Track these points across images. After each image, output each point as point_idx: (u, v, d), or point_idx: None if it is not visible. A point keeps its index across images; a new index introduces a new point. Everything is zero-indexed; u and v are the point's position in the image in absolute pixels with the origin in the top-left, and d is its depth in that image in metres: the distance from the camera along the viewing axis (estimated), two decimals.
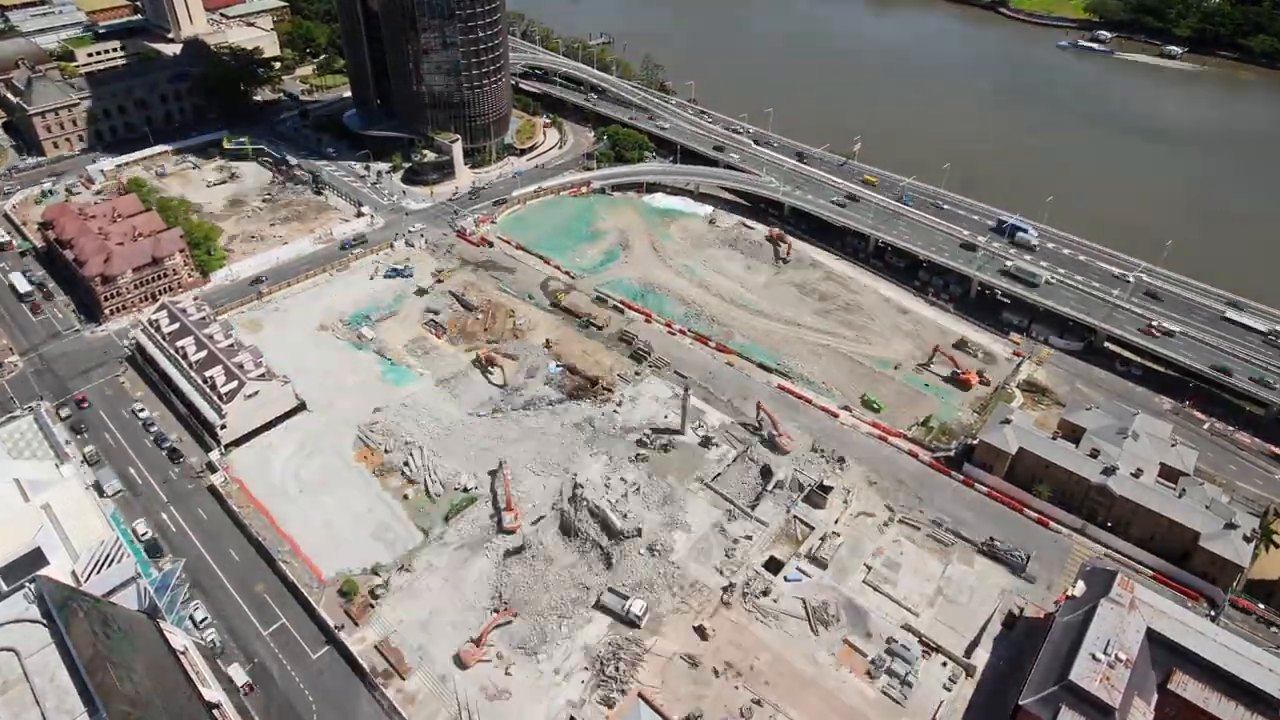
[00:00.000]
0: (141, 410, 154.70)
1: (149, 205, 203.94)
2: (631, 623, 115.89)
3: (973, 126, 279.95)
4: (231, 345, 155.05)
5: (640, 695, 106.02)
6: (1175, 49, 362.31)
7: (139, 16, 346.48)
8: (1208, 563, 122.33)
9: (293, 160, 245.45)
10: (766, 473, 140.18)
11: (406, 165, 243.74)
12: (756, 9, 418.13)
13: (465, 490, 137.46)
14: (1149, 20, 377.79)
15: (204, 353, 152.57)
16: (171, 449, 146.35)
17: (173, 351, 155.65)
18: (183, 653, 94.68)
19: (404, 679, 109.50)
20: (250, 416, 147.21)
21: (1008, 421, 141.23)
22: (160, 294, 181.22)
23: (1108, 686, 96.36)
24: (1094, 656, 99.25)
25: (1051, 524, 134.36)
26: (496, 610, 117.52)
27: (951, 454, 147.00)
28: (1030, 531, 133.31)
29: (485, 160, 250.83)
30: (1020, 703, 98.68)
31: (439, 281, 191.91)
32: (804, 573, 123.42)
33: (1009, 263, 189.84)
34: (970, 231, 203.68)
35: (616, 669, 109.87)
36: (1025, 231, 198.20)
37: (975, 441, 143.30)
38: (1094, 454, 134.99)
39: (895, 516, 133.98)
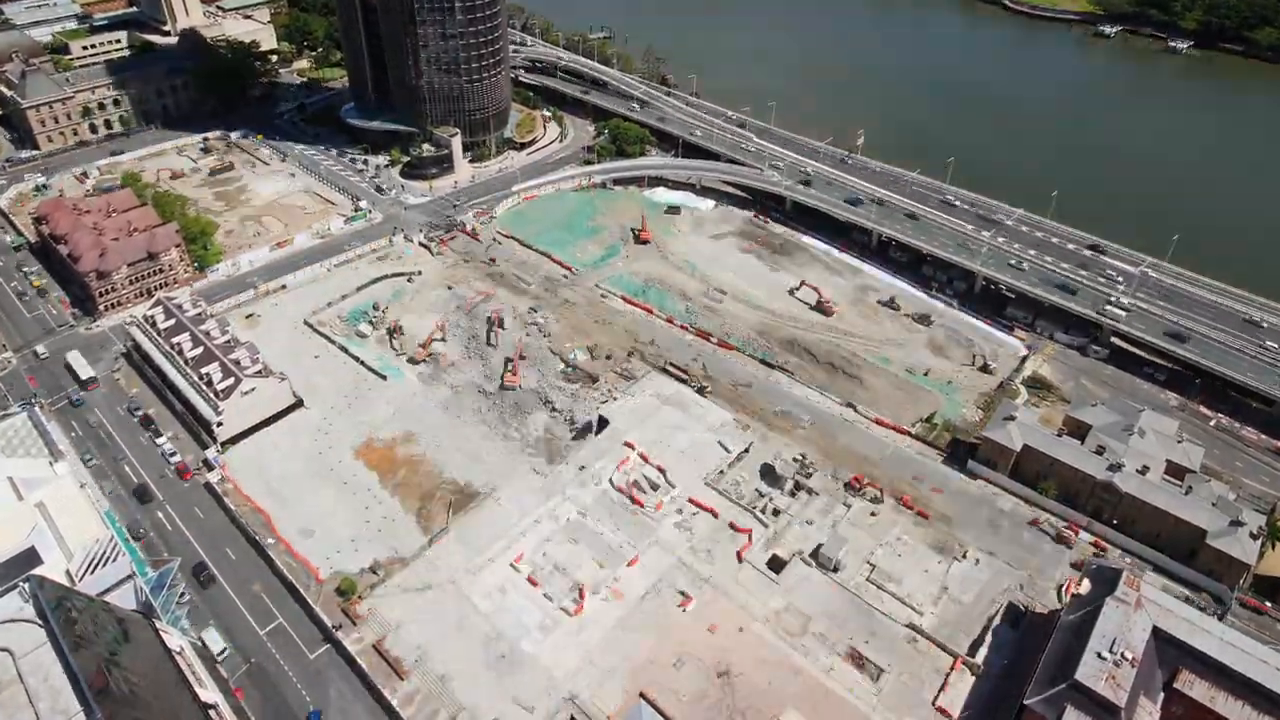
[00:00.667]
0: (137, 407, 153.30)
1: (144, 200, 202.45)
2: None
3: (978, 121, 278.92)
4: (228, 341, 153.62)
5: (642, 695, 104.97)
6: (1180, 44, 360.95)
7: (134, 9, 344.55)
8: (1214, 560, 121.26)
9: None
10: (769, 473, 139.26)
11: (405, 160, 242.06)
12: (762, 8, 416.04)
13: None
14: (1154, 13, 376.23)
15: (200, 349, 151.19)
16: (163, 446, 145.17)
17: (168, 348, 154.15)
18: (179, 652, 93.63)
19: (402, 679, 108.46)
20: (247, 414, 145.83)
21: (1012, 418, 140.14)
22: (156, 290, 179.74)
23: (1113, 685, 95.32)
24: (1100, 655, 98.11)
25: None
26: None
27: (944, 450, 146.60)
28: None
29: (485, 155, 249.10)
30: (1025, 702, 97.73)
31: (449, 288, 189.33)
32: None
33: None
34: (974, 226, 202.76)
35: None
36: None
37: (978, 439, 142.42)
38: (1099, 451, 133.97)
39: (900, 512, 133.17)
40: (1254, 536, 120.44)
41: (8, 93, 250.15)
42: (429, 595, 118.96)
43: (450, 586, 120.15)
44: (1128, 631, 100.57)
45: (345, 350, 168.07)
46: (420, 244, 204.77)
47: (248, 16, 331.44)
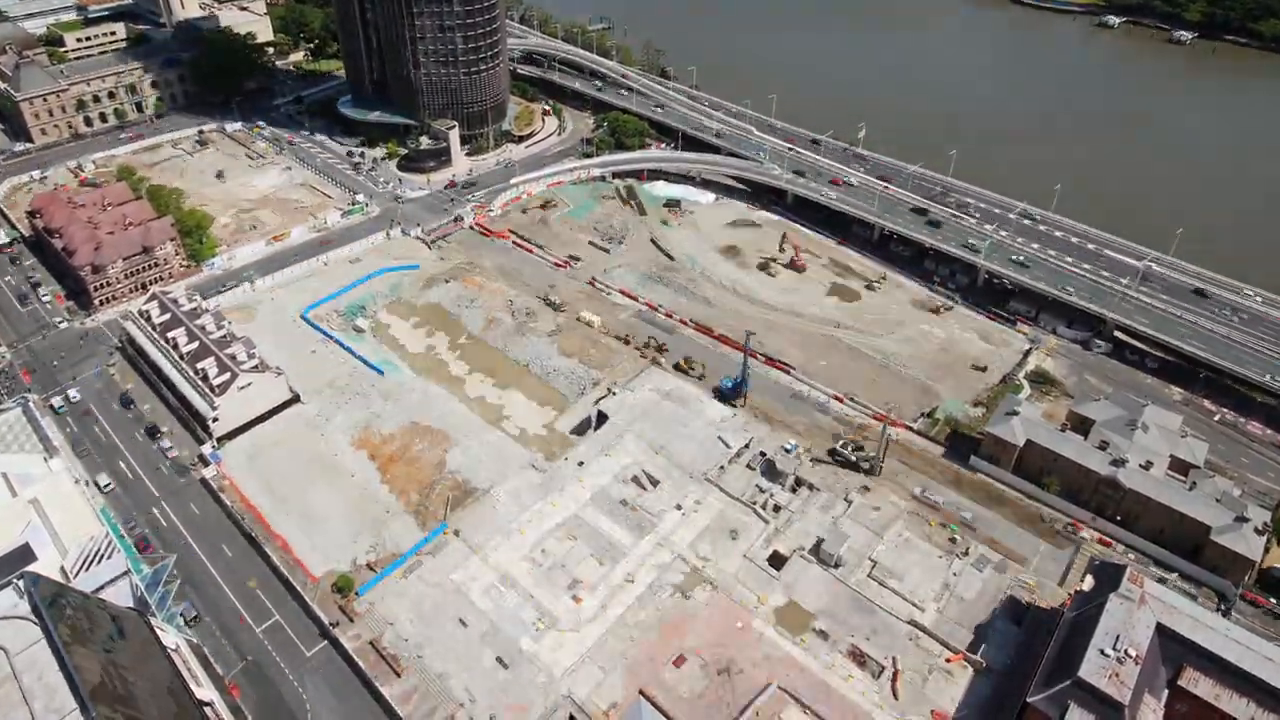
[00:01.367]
0: (132, 403, 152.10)
1: (139, 193, 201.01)
2: None
3: (978, 115, 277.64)
4: (224, 336, 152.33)
5: (641, 693, 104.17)
6: (1185, 34, 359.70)
7: (129, 1, 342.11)
8: (1219, 557, 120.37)
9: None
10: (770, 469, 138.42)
11: (402, 153, 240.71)
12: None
13: None
14: (1158, 4, 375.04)
15: (195, 344, 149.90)
16: (160, 442, 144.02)
17: (164, 343, 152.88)
18: (174, 650, 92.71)
19: (399, 676, 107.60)
20: (243, 409, 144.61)
21: (1015, 413, 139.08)
22: (151, 284, 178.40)
23: (1117, 683, 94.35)
24: (1103, 652, 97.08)
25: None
26: None
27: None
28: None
29: (483, 147, 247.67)
30: (1028, 699, 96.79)
31: (447, 281, 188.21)
32: None
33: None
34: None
35: None
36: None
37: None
38: (1103, 446, 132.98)
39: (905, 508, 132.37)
40: (1259, 532, 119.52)
41: (1, 85, 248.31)
42: (426, 592, 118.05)
43: (448, 583, 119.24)
44: (1131, 628, 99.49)
45: (342, 345, 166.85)
46: (417, 238, 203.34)
47: (244, 8, 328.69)
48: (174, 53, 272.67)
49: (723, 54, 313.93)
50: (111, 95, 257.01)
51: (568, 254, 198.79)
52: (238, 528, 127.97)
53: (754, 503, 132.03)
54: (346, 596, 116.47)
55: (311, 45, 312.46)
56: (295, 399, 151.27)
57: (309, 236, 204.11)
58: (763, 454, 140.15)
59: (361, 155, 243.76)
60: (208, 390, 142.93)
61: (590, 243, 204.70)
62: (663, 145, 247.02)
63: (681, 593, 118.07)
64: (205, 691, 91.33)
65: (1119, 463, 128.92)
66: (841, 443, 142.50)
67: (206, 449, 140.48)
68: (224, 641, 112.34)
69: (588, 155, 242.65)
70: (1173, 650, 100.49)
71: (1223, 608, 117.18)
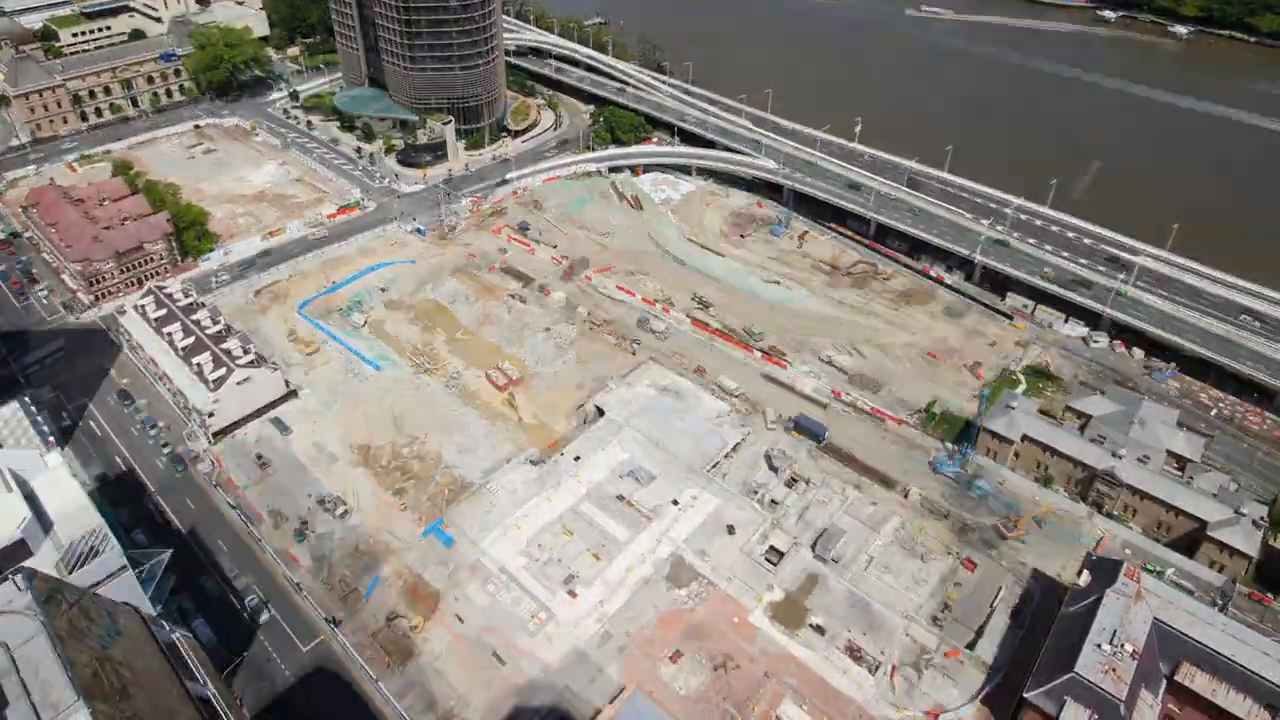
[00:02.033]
0: (128, 398, 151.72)
1: (136, 188, 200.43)
2: None
3: (976, 109, 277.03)
4: (220, 331, 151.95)
5: (638, 688, 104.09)
6: (1181, 29, 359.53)
7: None
8: (1216, 552, 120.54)
9: None
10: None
11: (399, 147, 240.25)
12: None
13: None
14: None
15: (191, 339, 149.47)
16: (159, 437, 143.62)
17: (160, 338, 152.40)
18: (170, 645, 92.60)
19: (395, 670, 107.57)
20: (239, 404, 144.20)
21: (1012, 408, 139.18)
22: (147, 279, 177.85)
23: (1114, 678, 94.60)
24: (1100, 648, 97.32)
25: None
26: None
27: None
28: None
29: (479, 142, 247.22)
30: (1025, 695, 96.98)
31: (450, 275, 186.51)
32: None
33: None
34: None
35: None
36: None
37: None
38: (1099, 441, 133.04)
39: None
40: (1256, 526, 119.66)
41: None
42: (423, 586, 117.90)
43: (445, 578, 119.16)
44: (1128, 624, 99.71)
45: (336, 339, 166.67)
46: (414, 231, 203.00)
47: (240, 3, 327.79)
48: (170, 48, 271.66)
49: (719, 50, 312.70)
50: (107, 90, 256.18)
51: (563, 250, 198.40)
52: (233, 523, 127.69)
53: (753, 494, 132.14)
54: (343, 592, 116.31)
55: (308, 40, 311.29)
56: (291, 394, 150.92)
57: (305, 231, 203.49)
58: (769, 455, 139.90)
59: (358, 150, 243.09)
60: (204, 385, 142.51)
61: (587, 237, 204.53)
62: (654, 140, 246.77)
63: (678, 587, 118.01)
64: (201, 687, 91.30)
65: (1116, 457, 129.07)
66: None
67: (203, 444, 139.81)
68: (220, 637, 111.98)
69: (588, 148, 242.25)
70: (1170, 646, 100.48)
71: (1220, 603, 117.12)
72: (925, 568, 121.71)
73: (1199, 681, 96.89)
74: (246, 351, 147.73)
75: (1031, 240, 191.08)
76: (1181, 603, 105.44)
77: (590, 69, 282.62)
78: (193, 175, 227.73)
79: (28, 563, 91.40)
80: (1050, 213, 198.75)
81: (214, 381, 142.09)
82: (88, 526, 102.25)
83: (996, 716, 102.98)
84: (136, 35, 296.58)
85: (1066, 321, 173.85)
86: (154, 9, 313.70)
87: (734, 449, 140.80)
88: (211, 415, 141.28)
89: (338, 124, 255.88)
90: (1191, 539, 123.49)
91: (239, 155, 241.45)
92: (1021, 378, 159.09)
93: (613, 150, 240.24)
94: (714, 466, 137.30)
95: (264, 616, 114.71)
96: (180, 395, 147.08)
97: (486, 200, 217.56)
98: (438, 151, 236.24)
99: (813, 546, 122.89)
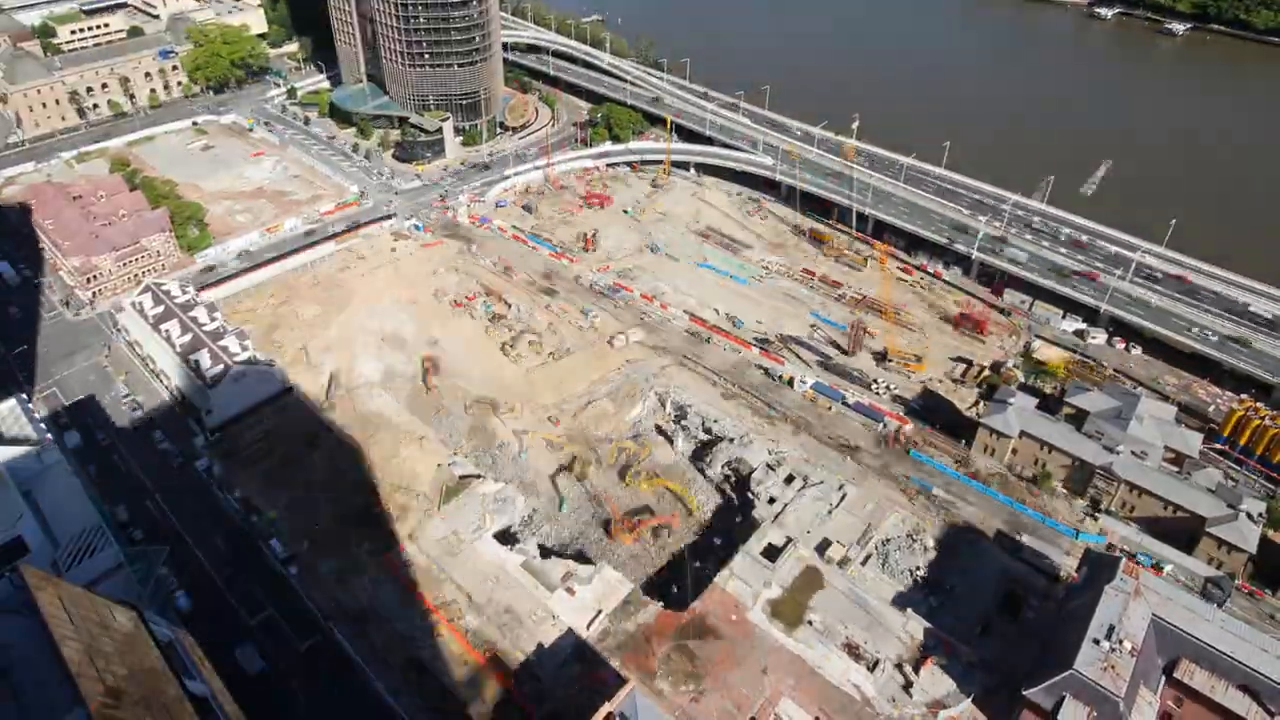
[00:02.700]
0: (125, 395, 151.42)
1: (134, 185, 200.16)
2: None
3: (972, 107, 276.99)
4: (217, 328, 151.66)
5: (636, 687, 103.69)
6: (1178, 25, 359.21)
7: None
8: (1214, 548, 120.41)
9: None
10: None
11: (395, 144, 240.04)
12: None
13: None
14: None
15: (189, 335, 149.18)
16: (154, 434, 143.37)
17: (157, 334, 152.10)
18: (167, 643, 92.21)
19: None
20: (237, 400, 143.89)
21: (1009, 403, 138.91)
22: (144, 275, 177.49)
23: (1113, 675, 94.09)
24: (1098, 644, 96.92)
25: None
26: None
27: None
28: None
29: (476, 138, 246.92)
30: (1024, 692, 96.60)
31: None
32: None
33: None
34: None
35: None
36: None
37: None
38: (1097, 437, 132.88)
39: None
40: (1254, 522, 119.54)
41: None
42: (418, 584, 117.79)
43: (440, 573, 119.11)
44: (1127, 620, 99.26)
45: None
46: (412, 227, 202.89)
47: (237, 0, 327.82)
48: (168, 45, 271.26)
49: (717, 47, 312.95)
50: (105, 87, 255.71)
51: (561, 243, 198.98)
52: (230, 520, 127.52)
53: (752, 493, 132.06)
54: (340, 588, 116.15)
55: (305, 37, 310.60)
56: (288, 390, 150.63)
57: (303, 228, 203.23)
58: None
59: (355, 147, 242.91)
60: (201, 382, 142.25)
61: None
62: (650, 137, 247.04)
63: (676, 585, 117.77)
64: (198, 685, 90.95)
65: (1113, 453, 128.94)
66: None
67: (200, 441, 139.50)
68: (217, 634, 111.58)
69: (584, 143, 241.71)
70: (1168, 642, 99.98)
71: (1219, 599, 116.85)
72: (924, 561, 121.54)
73: (1198, 679, 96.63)
74: (244, 348, 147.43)
75: (1029, 236, 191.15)
76: (1180, 599, 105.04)
77: (588, 65, 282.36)
78: (190, 172, 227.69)
79: (23, 560, 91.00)
80: (1048, 209, 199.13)
81: (211, 378, 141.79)
82: (84, 524, 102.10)
83: (994, 712, 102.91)
84: (135, 32, 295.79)
85: (1064, 317, 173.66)
86: (152, 6, 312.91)
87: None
88: (209, 412, 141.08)
89: (335, 121, 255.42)
90: (1190, 535, 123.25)
91: (237, 152, 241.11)
92: (1018, 373, 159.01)
93: (611, 147, 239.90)
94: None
95: (261, 613, 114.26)
96: (177, 392, 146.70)
97: (483, 197, 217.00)
98: (435, 148, 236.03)
99: (810, 545, 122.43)
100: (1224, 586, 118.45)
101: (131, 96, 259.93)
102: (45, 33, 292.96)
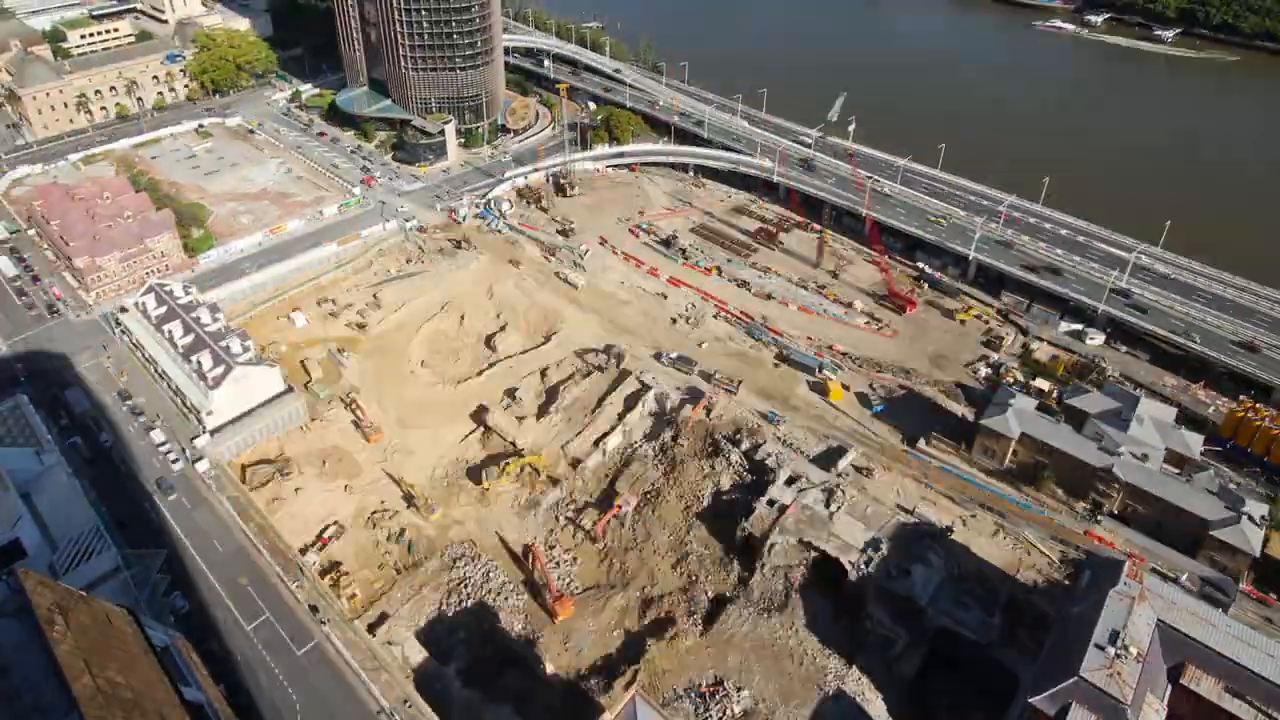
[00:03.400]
0: (126, 396, 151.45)
1: (138, 187, 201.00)
2: None
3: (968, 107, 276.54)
4: (219, 329, 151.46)
5: (637, 693, 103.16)
6: (1165, 32, 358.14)
7: None
8: (1217, 551, 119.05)
9: None
10: None
11: (398, 146, 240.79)
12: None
13: None
14: (1139, 2, 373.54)
15: (191, 336, 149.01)
16: (154, 436, 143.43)
17: (160, 335, 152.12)
18: (163, 648, 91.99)
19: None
20: (238, 402, 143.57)
21: (1009, 405, 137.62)
22: (148, 276, 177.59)
23: (1119, 681, 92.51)
24: (1103, 650, 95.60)
25: None
26: None
27: None
28: None
29: (477, 141, 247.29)
30: (1029, 699, 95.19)
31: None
32: None
33: None
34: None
35: None
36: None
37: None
38: (1097, 438, 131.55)
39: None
40: (1257, 525, 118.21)
41: (5, 80, 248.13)
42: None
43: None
44: (1132, 625, 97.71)
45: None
46: (412, 228, 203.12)
47: (244, 4, 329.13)
48: (175, 49, 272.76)
49: (715, 50, 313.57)
50: (113, 90, 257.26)
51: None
52: (228, 523, 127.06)
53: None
54: (338, 589, 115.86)
55: (309, 41, 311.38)
56: (289, 391, 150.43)
57: (306, 229, 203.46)
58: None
59: (358, 149, 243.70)
60: (202, 383, 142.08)
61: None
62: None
63: None
64: (194, 691, 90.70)
65: (1114, 455, 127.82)
66: None
67: (200, 442, 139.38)
68: (214, 640, 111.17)
69: (584, 145, 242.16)
70: (1174, 647, 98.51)
71: (1223, 603, 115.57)
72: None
73: (1205, 684, 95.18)
74: (246, 349, 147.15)
75: (1025, 236, 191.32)
76: (1185, 603, 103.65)
77: (588, 69, 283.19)
78: (195, 174, 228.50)
79: (21, 563, 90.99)
80: (1044, 210, 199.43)
81: (212, 380, 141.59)
82: (83, 526, 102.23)
83: None
84: (144, 36, 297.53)
85: (1063, 318, 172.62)
86: (160, 11, 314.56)
87: None
88: (210, 413, 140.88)
89: (338, 123, 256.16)
90: (1192, 538, 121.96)
91: (241, 154, 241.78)
92: (1018, 374, 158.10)
93: (610, 149, 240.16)
94: None
95: (258, 619, 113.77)
96: (179, 393, 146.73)
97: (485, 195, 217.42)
98: (437, 150, 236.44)
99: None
100: (1227, 590, 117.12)
101: (139, 100, 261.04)
102: (55, 37, 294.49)
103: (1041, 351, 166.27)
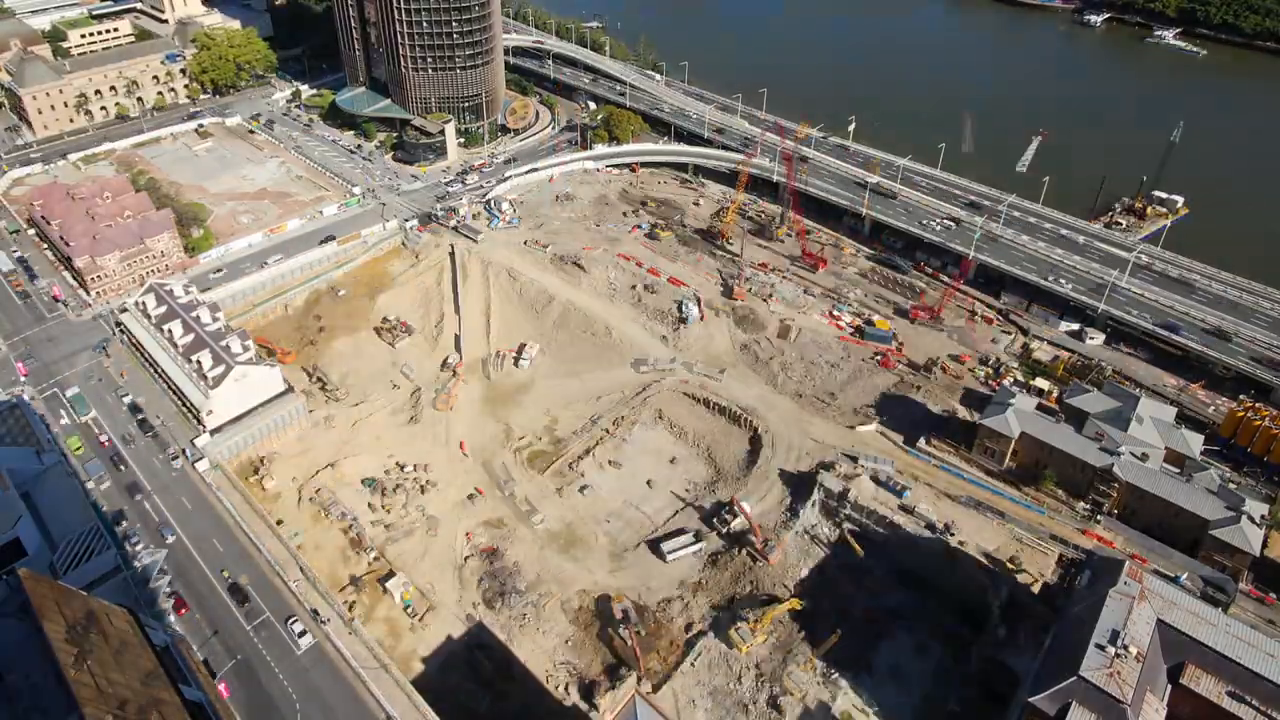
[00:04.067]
0: (126, 395, 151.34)
1: (138, 186, 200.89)
2: None
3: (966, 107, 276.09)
4: (219, 329, 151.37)
5: (637, 693, 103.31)
6: (1165, 31, 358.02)
7: None
8: (1217, 551, 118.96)
9: None
10: None
11: (397, 145, 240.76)
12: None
13: None
14: (1139, 2, 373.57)
15: (191, 336, 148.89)
16: (155, 434, 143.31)
17: (159, 335, 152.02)
18: (163, 649, 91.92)
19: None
20: (237, 401, 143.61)
21: (1009, 404, 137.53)
22: (148, 276, 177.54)
23: (1119, 681, 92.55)
24: (1103, 650, 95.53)
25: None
26: None
27: None
28: None
29: (477, 140, 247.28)
30: (1029, 699, 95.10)
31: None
32: None
33: None
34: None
35: None
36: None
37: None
38: (1097, 438, 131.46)
39: None
40: (1258, 524, 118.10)
41: (5, 79, 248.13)
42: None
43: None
44: (1132, 625, 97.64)
45: None
46: (411, 228, 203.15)
47: (244, 4, 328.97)
48: (174, 49, 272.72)
49: (715, 51, 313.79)
50: (113, 90, 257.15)
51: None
52: (227, 522, 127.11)
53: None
54: (338, 590, 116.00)
55: (310, 41, 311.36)
56: (288, 390, 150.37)
57: (306, 229, 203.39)
58: None
59: (358, 148, 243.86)
60: (202, 382, 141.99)
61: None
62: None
63: None
64: (194, 691, 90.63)
65: (1114, 454, 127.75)
66: None
67: (201, 441, 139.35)
68: (214, 639, 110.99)
69: (584, 145, 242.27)
70: (1174, 647, 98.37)
71: (1223, 603, 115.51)
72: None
73: (1204, 683, 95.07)
74: (245, 349, 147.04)
75: (1025, 237, 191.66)
76: (1185, 603, 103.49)
77: (588, 69, 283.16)
78: (195, 173, 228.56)
79: (21, 563, 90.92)
80: (1042, 209, 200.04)
81: (212, 379, 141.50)
82: (83, 526, 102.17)
83: None
84: (144, 36, 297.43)
85: (1062, 318, 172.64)
86: (160, 11, 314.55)
87: None
88: (210, 413, 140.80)
89: (338, 123, 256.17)
90: (1193, 538, 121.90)
91: (241, 154, 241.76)
92: (1018, 373, 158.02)
93: (609, 149, 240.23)
94: None
95: (258, 618, 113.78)
96: (179, 392, 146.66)
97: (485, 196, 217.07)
98: (437, 150, 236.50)
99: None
100: (1227, 590, 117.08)
101: (139, 99, 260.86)
102: (55, 37, 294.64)
103: (1042, 351, 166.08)
